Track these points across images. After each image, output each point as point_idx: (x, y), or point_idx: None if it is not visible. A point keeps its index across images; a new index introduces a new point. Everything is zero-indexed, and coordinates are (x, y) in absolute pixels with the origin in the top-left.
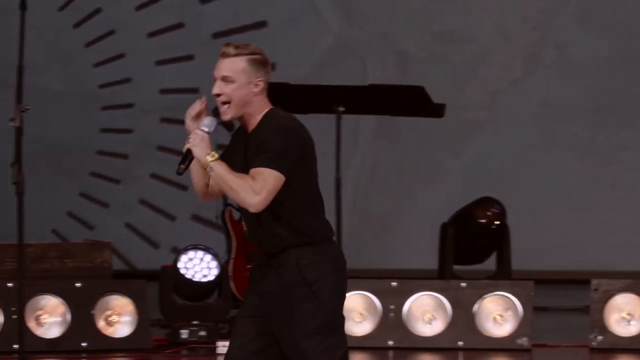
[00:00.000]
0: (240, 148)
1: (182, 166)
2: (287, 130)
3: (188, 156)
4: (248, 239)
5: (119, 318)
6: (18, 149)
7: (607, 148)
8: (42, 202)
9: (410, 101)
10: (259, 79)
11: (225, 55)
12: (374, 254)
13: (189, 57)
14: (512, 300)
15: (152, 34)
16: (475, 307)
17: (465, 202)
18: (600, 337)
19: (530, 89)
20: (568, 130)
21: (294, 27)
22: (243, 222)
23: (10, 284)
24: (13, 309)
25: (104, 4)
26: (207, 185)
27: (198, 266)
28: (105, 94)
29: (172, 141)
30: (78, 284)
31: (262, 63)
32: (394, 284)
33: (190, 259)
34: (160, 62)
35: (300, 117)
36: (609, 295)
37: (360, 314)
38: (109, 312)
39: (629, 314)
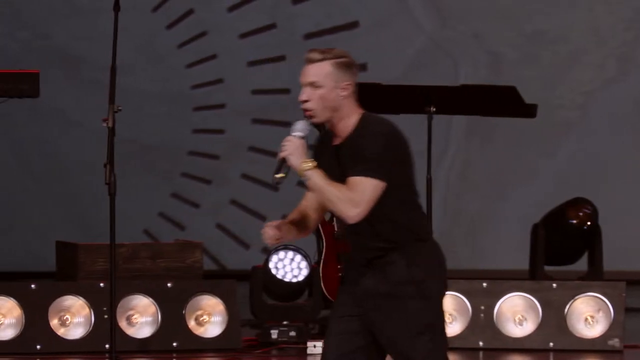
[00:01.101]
0: (330, 155)
1: (278, 176)
2: (382, 135)
3: (283, 165)
4: (338, 240)
5: (209, 318)
6: (110, 149)
7: None
8: (134, 203)
9: (502, 101)
10: (346, 83)
11: (310, 60)
12: (464, 255)
13: (281, 58)
14: (603, 301)
15: (244, 35)
16: (567, 308)
17: (557, 202)
18: None
19: (623, 89)
20: None
21: (386, 27)
22: (334, 223)
23: (102, 284)
24: (104, 308)
25: (196, 5)
26: (306, 224)
27: (288, 266)
28: (198, 94)
29: (263, 142)
30: (169, 284)
31: (348, 66)
32: (484, 284)
33: (281, 259)
34: (252, 63)
35: (391, 117)
36: None
37: (451, 314)
38: (199, 312)
39: None
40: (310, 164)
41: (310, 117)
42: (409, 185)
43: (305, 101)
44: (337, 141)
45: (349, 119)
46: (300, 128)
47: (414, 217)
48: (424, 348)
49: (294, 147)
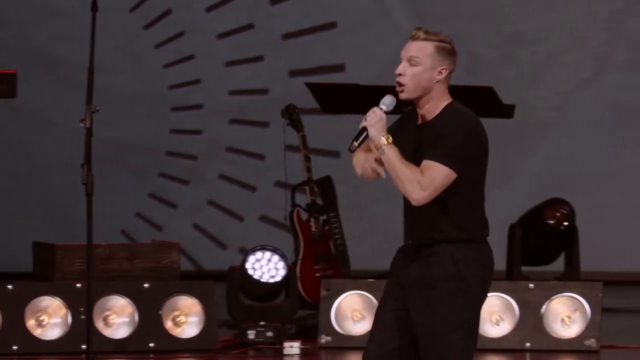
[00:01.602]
0: (409, 135)
1: (356, 143)
2: (467, 127)
3: (362, 134)
4: (315, 240)
5: (186, 318)
6: (87, 149)
7: None
8: (111, 203)
9: (480, 102)
10: (443, 67)
11: (414, 38)
12: None
13: (259, 58)
14: (580, 302)
15: (222, 35)
16: (543, 308)
17: (535, 202)
18: None
19: (600, 90)
20: (638, 131)
21: (364, 28)
22: (311, 223)
23: (78, 285)
24: (81, 309)
25: (174, 5)
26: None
27: (265, 267)
28: (175, 95)
29: (241, 142)
30: (146, 285)
31: (449, 52)
32: None
33: (258, 260)
34: (230, 63)
35: None
36: None
37: None
38: (176, 313)
39: None
40: (388, 139)
41: (401, 92)
42: (478, 183)
43: (400, 75)
44: (420, 122)
45: (438, 103)
46: (386, 102)
47: (473, 216)
48: (457, 345)
49: (376, 120)
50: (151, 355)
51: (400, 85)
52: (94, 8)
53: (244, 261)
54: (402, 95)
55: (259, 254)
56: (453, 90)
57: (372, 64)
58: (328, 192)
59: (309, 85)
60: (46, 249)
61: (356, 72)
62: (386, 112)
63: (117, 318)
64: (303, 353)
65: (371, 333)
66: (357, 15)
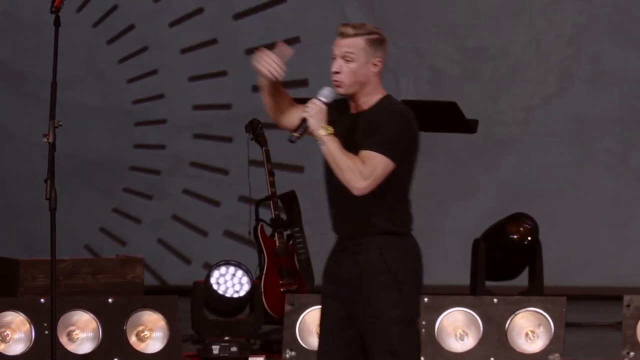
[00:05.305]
0: (344, 124)
1: (296, 134)
2: (403, 118)
3: (303, 125)
4: (279, 255)
5: (150, 334)
6: (51, 164)
7: None
8: (75, 218)
9: (444, 117)
10: (377, 59)
11: (344, 35)
12: None
13: (222, 73)
14: (544, 316)
15: (185, 50)
16: (507, 323)
17: (499, 217)
18: (632, 353)
19: (563, 105)
20: (601, 146)
21: (327, 42)
22: (275, 238)
23: (42, 300)
24: (45, 324)
25: (138, 20)
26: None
27: (230, 282)
28: (139, 110)
29: (204, 157)
30: (110, 300)
31: (380, 43)
32: (425, 299)
33: (222, 275)
34: (193, 78)
35: None
36: None
37: None
38: (140, 328)
39: None
40: (328, 129)
41: (338, 87)
42: (407, 175)
43: (336, 72)
44: (354, 110)
45: (373, 95)
46: (326, 94)
47: (398, 208)
48: (398, 339)
49: (316, 111)
50: None
51: (337, 81)
52: (57, 23)
53: (208, 276)
54: (340, 91)
55: (223, 269)
56: (416, 105)
57: None
58: (292, 207)
59: None
60: (9, 264)
61: (320, 87)
62: (325, 104)
63: (81, 333)
64: None
65: (319, 344)
66: (319, 30)
